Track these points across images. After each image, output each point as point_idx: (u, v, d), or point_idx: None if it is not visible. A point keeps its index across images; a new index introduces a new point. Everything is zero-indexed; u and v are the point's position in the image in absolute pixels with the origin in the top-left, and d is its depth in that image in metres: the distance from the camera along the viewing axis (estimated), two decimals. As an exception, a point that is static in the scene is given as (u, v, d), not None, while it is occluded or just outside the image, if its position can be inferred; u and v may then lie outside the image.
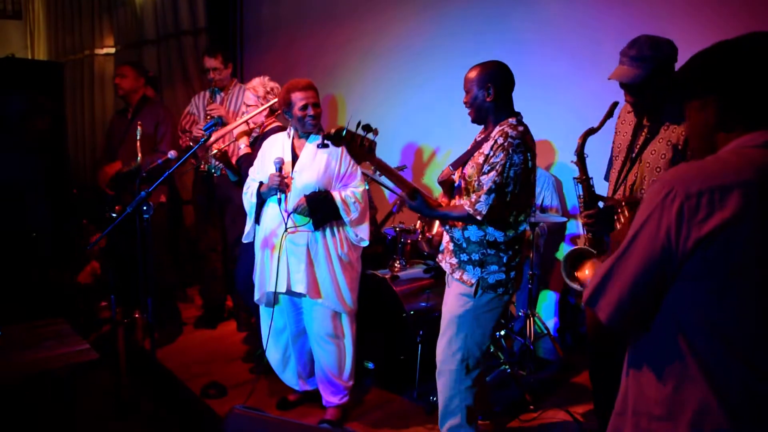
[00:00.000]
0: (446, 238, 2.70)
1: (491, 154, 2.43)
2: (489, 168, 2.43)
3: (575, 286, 2.26)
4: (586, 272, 2.19)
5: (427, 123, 4.59)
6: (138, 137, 4.02)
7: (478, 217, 2.41)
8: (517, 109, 2.54)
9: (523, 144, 2.43)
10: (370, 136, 2.41)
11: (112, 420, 3.16)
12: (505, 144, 2.40)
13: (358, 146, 2.39)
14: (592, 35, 3.69)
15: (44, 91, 4.68)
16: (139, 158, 4.06)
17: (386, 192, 4.66)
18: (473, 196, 2.44)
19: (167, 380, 3.66)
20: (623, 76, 2.36)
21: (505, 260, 2.53)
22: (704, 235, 1.20)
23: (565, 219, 3.77)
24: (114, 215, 3.90)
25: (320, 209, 2.94)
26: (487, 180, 2.42)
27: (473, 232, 2.53)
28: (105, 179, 4.25)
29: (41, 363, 2.51)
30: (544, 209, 3.88)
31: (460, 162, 2.60)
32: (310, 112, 2.99)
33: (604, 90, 2.69)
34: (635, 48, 2.34)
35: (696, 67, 1.37)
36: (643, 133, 2.47)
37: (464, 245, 2.57)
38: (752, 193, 1.19)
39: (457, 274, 2.59)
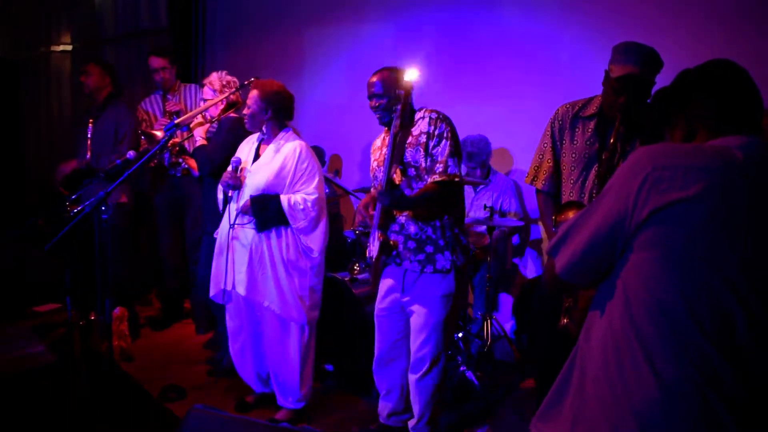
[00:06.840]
0: (400, 240, 2.66)
1: (432, 129, 2.53)
2: (437, 140, 2.52)
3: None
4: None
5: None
6: (89, 135, 3.96)
7: (456, 179, 2.50)
8: (482, 118, 2.63)
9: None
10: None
11: (69, 424, 3.10)
12: (441, 116, 2.55)
13: None
14: (550, 48, 3.81)
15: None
16: (88, 156, 4.00)
17: (354, 201, 4.68)
18: (438, 167, 2.50)
19: (125, 383, 3.61)
20: (635, 72, 2.32)
21: (464, 242, 2.64)
22: (661, 206, 1.25)
23: (522, 223, 3.86)
24: (72, 214, 3.83)
25: (264, 211, 2.94)
26: (442, 150, 2.51)
27: (431, 225, 2.58)
28: (60, 178, 4.17)
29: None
30: (503, 213, 3.96)
31: (396, 159, 2.51)
32: None
33: (559, 101, 2.77)
34: (642, 50, 2.35)
35: (665, 95, 1.47)
36: (611, 141, 2.41)
37: (425, 237, 2.59)
38: (715, 181, 1.25)
39: (429, 268, 2.59)
